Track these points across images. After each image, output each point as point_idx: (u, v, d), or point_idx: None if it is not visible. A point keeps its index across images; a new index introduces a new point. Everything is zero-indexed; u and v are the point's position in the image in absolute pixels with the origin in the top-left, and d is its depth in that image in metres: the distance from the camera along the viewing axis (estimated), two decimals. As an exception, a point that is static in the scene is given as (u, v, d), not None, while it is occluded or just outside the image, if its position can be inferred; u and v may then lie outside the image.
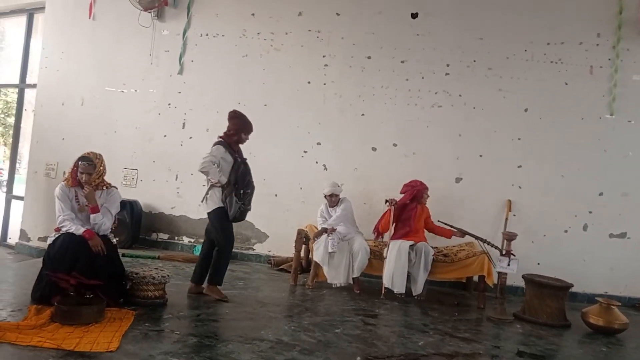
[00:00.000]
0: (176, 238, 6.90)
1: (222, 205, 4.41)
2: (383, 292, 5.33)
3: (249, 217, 6.30)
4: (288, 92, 6.72)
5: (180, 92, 6.97)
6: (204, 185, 4.61)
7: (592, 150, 6.29)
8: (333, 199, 5.72)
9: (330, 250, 5.38)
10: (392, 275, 5.29)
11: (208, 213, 4.52)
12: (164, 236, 6.93)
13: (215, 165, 4.43)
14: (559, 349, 4.24)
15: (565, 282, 5.16)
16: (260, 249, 6.73)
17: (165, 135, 6.98)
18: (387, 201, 5.65)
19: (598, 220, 6.25)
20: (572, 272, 5.92)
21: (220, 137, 4.58)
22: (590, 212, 6.26)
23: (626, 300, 6.07)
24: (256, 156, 6.53)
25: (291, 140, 6.61)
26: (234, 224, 4.57)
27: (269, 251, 6.68)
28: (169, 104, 6.99)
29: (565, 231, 6.29)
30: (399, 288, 5.33)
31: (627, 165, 6.25)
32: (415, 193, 5.68)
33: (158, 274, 4.20)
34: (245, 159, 4.62)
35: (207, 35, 6.94)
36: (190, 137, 6.92)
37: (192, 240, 6.86)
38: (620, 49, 6.20)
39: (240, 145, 4.67)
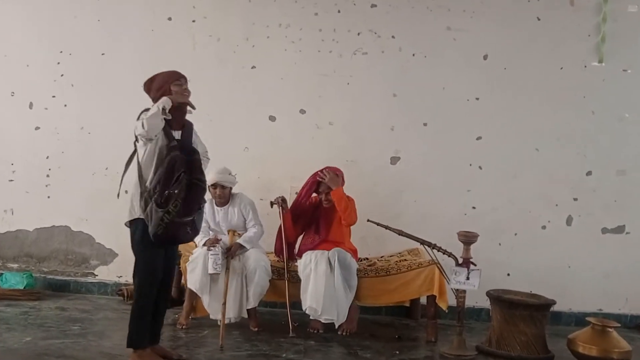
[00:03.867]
0: (-34, 264, 6.69)
1: (142, 217, 4.33)
2: (292, 326, 5.35)
3: (86, 227, 6.62)
4: (137, 34, 6.60)
5: (-39, 36, 6.69)
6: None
7: (575, 113, 6.53)
8: (219, 193, 5.67)
9: (211, 271, 5.33)
10: (323, 298, 5.37)
11: (126, 224, 4.49)
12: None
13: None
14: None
15: (545, 299, 5.33)
16: (105, 274, 6.63)
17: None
18: (272, 203, 5.75)
19: (586, 210, 6.52)
20: (554, 283, 6.18)
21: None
22: (575, 200, 6.53)
23: (627, 320, 6.37)
24: (91, 133, 6.64)
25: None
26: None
27: (119, 277, 6.59)
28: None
29: (544, 227, 6.51)
30: (330, 314, 5.41)
31: (623, 132, 6.55)
32: (313, 182, 5.80)
33: None
34: (193, 148, 4.57)
35: (2, -54, 6.69)
36: (-16, 105, 6.71)
37: (-8, 265, 6.65)
38: (610, -34, 6.52)
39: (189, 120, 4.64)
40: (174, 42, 6.58)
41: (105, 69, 6.53)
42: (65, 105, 6.62)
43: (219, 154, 6.05)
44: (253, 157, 6.53)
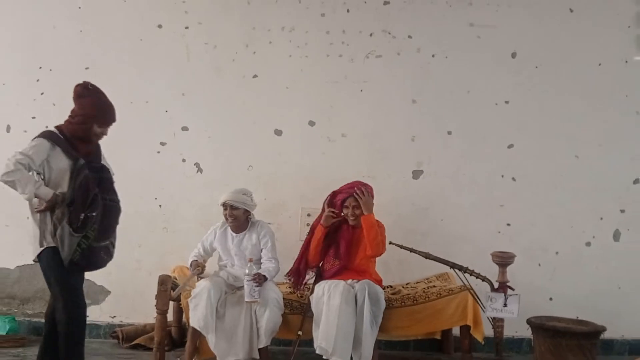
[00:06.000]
0: None
1: (53, 245, 4.41)
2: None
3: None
4: (125, 45, 6.62)
5: None
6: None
7: (618, 114, 6.50)
8: (228, 214, 5.63)
9: (249, 299, 5.27)
10: (335, 336, 5.22)
11: (35, 260, 4.55)
12: None
13: (29, 170, 4.40)
14: None
15: (594, 325, 5.36)
16: (96, 314, 6.53)
17: None
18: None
19: (636, 222, 6.50)
20: (603, 308, 6.16)
21: (55, 126, 4.61)
22: (622, 212, 6.52)
23: (689, 346, 6.38)
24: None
25: (137, 125, 6.38)
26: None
27: (113, 317, 6.58)
28: None
29: (588, 243, 6.49)
30: (344, 355, 5.26)
31: (673, 135, 6.53)
32: (334, 202, 5.73)
33: None
34: (102, 165, 4.74)
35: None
36: None
37: None
38: None
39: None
40: (166, 52, 6.61)
41: (89, 84, 6.51)
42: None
43: (219, 174, 6.42)
44: (258, 177, 6.51)
